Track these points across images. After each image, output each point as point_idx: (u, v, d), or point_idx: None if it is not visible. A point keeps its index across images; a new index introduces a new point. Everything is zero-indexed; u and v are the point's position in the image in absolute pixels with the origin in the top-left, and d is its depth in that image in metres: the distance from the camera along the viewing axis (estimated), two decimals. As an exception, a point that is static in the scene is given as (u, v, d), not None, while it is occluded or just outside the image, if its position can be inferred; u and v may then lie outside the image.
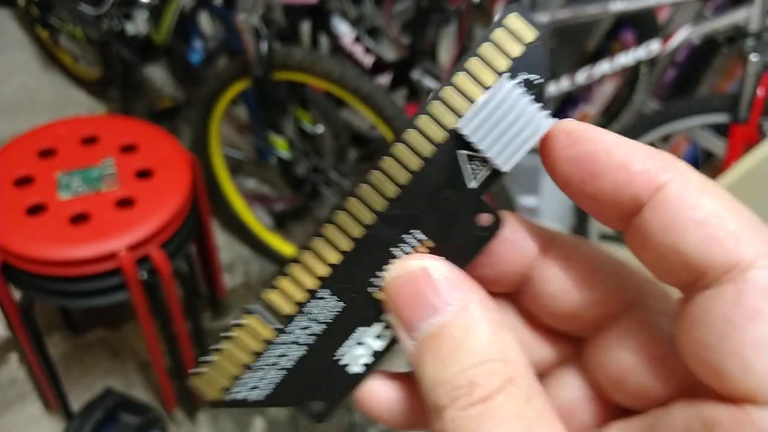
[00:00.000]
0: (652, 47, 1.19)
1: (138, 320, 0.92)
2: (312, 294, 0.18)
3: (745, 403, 0.12)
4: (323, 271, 0.18)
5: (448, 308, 0.15)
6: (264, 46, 1.09)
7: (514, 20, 0.16)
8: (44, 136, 0.98)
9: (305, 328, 0.18)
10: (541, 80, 0.16)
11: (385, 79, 1.28)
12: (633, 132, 1.24)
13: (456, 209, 0.17)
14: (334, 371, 0.18)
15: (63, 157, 0.94)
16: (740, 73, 1.35)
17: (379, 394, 0.18)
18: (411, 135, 0.17)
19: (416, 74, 1.30)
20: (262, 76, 1.11)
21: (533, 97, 0.16)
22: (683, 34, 1.16)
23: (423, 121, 0.17)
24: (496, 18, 0.16)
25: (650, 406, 0.16)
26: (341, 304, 0.18)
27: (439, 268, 0.16)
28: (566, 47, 1.57)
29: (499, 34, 0.16)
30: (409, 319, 0.16)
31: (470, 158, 0.16)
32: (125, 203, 0.89)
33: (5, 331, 1.26)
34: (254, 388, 0.18)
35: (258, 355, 0.18)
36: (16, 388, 1.18)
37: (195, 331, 1.07)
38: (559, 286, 0.17)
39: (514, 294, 0.19)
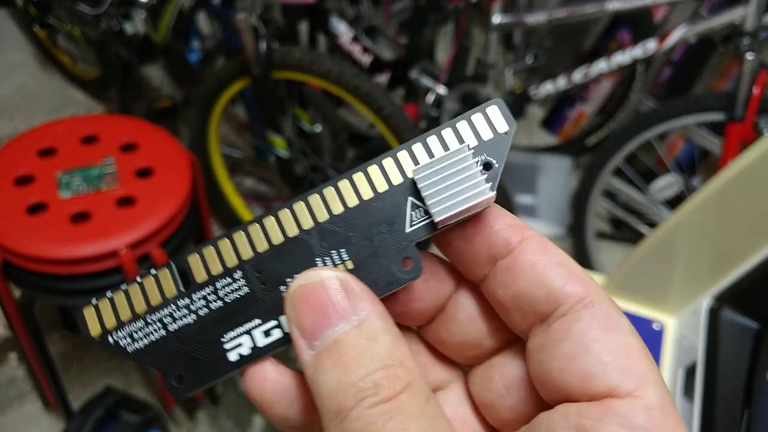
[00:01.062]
0: (649, 46, 1.20)
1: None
2: (226, 271, 0.18)
3: (606, 398, 0.15)
4: (247, 255, 0.18)
5: (352, 318, 0.16)
6: (263, 46, 1.10)
7: (494, 111, 0.18)
8: (44, 136, 0.98)
9: (205, 300, 0.18)
10: (497, 166, 0.18)
11: (383, 78, 1.28)
12: (630, 130, 1.25)
13: (386, 245, 0.18)
14: (213, 352, 0.18)
15: (63, 156, 0.95)
16: (735, 71, 1.36)
17: (272, 377, 0.18)
18: (372, 170, 0.18)
19: (414, 73, 1.31)
20: (261, 75, 1.12)
21: (485, 174, 0.17)
22: (679, 33, 1.17)
23: (387, 162, 0.18)
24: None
25: (513, 429, 0.19)
26: (247, 289, 0.18)
27: (346, 279, 0.17)
28: (563, 46, 1.58)
29: (478, 117, 0.18)
30: (311, 326, 0.16)
31: (414, 206, 0.18)
32: (125, 202, 0.90)
33: (4, 330, 1.26)
34: (132, 338, 0.19)
35: (151, 308, 0.19)
36: (16, 386, 1.19)
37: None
38: (469, 314, 0.20)
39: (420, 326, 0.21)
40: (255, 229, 0.18)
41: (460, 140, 0.18)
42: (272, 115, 1.20)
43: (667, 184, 1.31)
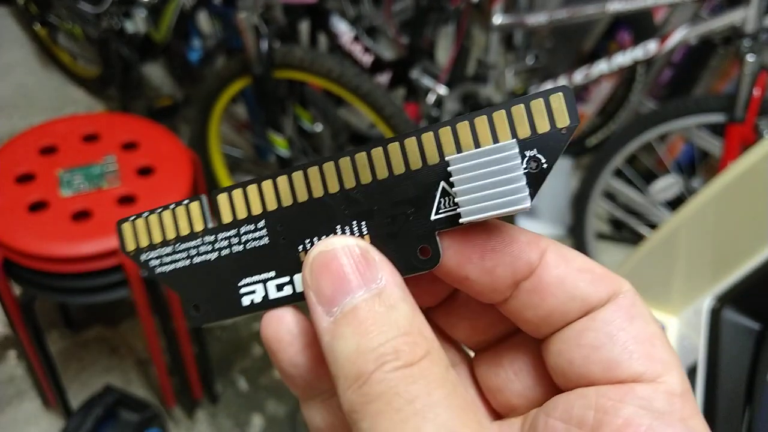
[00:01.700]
0: (650, 47, 1.20)
1: (136, 318, 0.92)
2: (251, 218, 0.19)
3: (630, 382, 0.15)
4: (272, 206, 0.18)
5: (372, 286, 0.16)
6: (264, 45, 1.10)
7: (558, 100, 0.16)
8: (45, 134, 0.98)
9: (228, 241, 0.19)
10: (546, 167, 0.16)
11: (383, 78, 1.29)
12: (630, 131, 1.25)
13: (407, 228, 0.17)
14: (229, 293, 0.19)
15: (64, 155, 0.95)
16: (736, 73, 1.36)
17: (289, 320, 0.18)
18: (410, 143, 0.17)
19: (415, 73, 1.31)
20: (262, 74, 1.12)
21: (528, 175, 0.16)
22: (680, 35, 1.17)
23: (427, 137, 0.17)
24: (544, 88, 0.16)
25: (520, 413, 0.19)
26: (267, 241, 0.19)
27: (366, 248, 0.17)
28: (564, 47, 1.58)
29: (537, 104, 0.16)
30: (330, 293, 0.16)
31: (444, 193, 0.17)
32: (127, 200, 0.89)
33: (3, 328, 1.26)
34: (161, 262, 0.20)
35: (180, 237, 0.19)
36: (15, 385, 1.18)
37: (193, 329, 1.08)
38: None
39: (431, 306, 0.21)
40: (283, 182, 0.18)
41: (512, 127, 0.16)
42: (273, 115, 1.20)
43: (667, 185, 1.31)
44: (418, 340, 0.15)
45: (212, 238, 0.19)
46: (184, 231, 0.19)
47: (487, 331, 0.20)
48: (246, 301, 0.19)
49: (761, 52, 1.11)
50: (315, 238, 0.18)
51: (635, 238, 1.48)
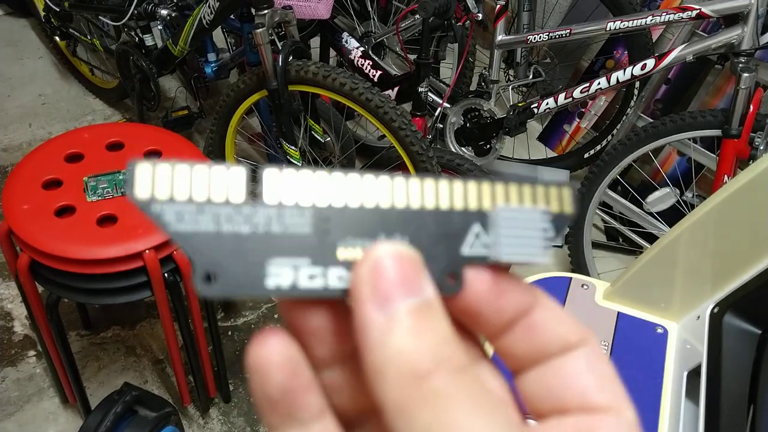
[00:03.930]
0: (647, 64, 1.25)
1: (151, 319, 0.96)
2: (298, 208, 0.19)
3: (599, 413, 0.19)
4: (323, 203, 0.19)
5: (424, 294, 0.18)
6: (280, 60, 1.15)
7: (566, 192, 0.21)
8: (71, 142, 1.03)
9: (268, 219, 0.18)
10: (552, 236, 0.20)
11: (391, 93, 1.34)
12: (626, 146, 1.29)
13: (439, 254, 0.20)
14: (254, 269, 0.18)
15: (90, 162, 0.99)
16: (730, 89, 1.40)
17: (279, 345, 0.19)
18: (456, 186, 0.20)
19: (421, 88, 1.36)
20: (278, 88, 1.17)
21: (545, 239, 0.20)
22: (678, 53, 1.21)
23: (471, 186, 0.20)
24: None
25: None
26: (310, 230, 0.19)
27: (420, 261, 0.19)
28: (562, 63, 1.63)
29: (553, 190, 0.21)
30: (388, 290, 0.17)
31: (476, 235, 0.20)
32: (149, 206, 0.94)
33: (23, 328, 1.31)
34: (179, 219, 0.17)
35: (211, 202, 0.18)
36: (34, 383, 1.23)
37: (210, 330, 1.12)
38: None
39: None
40: (339, 181, 0.19)
41: (534, 200, 0.20)
42: (287, 126, 1.26)
43: (661, 196, 1.35)
44: (462, 348, 0.18)
45: (249, 211, 0.18)
46: (218, 198, 0.18)
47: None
48: (271, 282, 0.18)
49: (756, 70, 1.14)
50: (358, 240, 0.19)
51: (631, 247, 1.53)
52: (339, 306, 0.19)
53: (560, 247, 1.49)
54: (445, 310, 0.19)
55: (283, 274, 0.18)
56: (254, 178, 0.19)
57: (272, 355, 0.18)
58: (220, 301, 1.35)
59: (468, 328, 0.21)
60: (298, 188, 0.19)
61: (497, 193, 0.20)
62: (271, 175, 0.18)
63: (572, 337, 0.20)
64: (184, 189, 0.17)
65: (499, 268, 0.21)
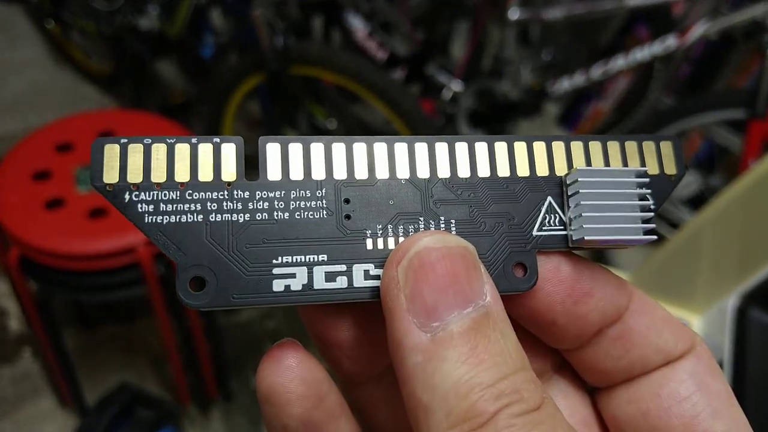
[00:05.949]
0: (669, 43, 1.18)
1: (150, 316, 0.92)
2: (308, 182, 0.14)
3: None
4: (340, 175, 0.14)
5: (479, 302, 0.13)
6: (279, 41, 1.09)
7: (668, 147, 0.16)
8: (61, 131, 0.98)
9: (270, 204, 0.14)
10: (653, 208, 0.15)
11: (398, 74, 1.28)
12: (647, 127, 1.24)
13: (501, 239, 0.15)
14: (256, 270, 0.14)
15: (81, 152, 0.94)
16: (756, 68, 1.34)
17: (296, 367, 0.15)
18: (519, 146, 0.15)
19: (430, 69, 1.30)
20: (277, 70, 1.11)
21: (642, 209, 0.15)
22: (700, 30, 1.15)
23: (538, 146, 0.15)
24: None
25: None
26: (325, 214, 0.14)
27: (474, 253, 0.14)
28: (580, 42, 1.57)
29: (648, 145, 0.15)
30: (432, 304, 0.13)
31: (551, 210, 0.15)
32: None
33: (18, 326, 1.26)
34: (156, 209, 0.14)
35: (197, 183, 0.14)
36: (30, 382, 1.19)
37: (208, 327, 1.07)
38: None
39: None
40: (360, 149, 0.14)
41: (624, 161, 0.15)
42: (287, 111, 1.20)
43: (685, 182, 1.30)
44: (533, 377, 0.13)
45: (245, 194, 0.14)
46: (205, 176, 0.14)
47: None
48: (278, 285, 0.14)
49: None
50: (390, 226, 0.14)
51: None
52: (373, 310, 0.15)
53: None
54: (509, 313, 0.14)
55: (294, 275, 0.14)
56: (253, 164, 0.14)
57: (291, 383, 0.14)
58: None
59: (536, 333, 0.16)
60: (309, 160, 0.14)
61: (574, 152, 0.15)
62: (273, 146, 0.14)
63: (676, 347, 0.15)
64: (161, 170, 0.14)
65: (580, 258, 0.15)
